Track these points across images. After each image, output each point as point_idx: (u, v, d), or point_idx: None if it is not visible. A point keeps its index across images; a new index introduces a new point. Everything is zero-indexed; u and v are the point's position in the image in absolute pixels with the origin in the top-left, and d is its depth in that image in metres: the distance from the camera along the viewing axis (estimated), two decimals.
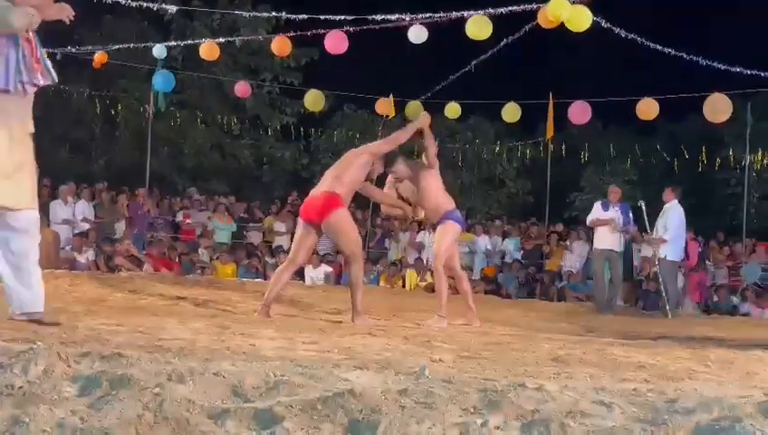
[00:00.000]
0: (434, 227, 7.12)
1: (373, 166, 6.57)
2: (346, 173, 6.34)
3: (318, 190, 6.34)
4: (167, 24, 19.76)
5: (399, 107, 15.33)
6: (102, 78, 18.82)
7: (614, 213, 10.70)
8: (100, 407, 2.18)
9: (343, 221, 6.26)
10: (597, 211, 10.88)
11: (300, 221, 6.48)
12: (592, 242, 11.27)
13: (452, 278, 7.01)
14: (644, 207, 10.97)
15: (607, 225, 10.60)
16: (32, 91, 4.18)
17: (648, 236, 10.93)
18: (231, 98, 18.67)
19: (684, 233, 10.95)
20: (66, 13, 4.33)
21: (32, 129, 4.23)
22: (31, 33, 4.13)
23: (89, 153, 21.14)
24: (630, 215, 10.83)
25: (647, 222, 11.04)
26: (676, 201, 10.71)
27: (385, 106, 15.22)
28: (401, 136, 6.75)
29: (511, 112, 14.57)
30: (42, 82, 4.20)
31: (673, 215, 10.53)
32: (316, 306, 7.69)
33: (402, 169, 6.82)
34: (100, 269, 11.57)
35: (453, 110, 15.15)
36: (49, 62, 4.27)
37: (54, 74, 4.29)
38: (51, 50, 15.34)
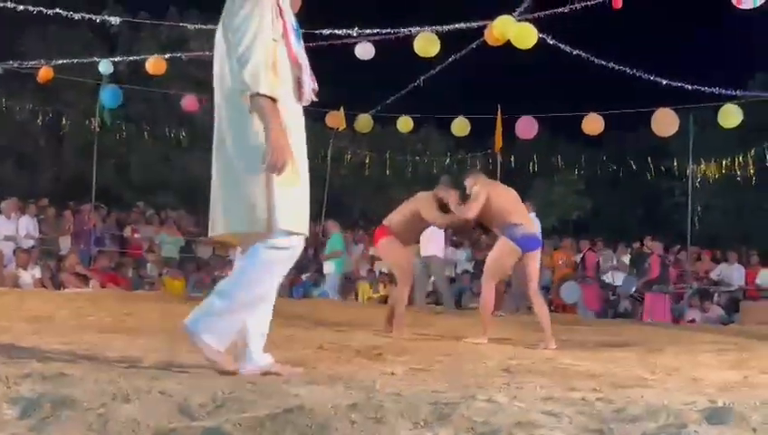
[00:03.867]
0: None
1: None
2: (401, 214, 7.08)
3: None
4: (113, 36, 19.52)
5: (350, 120, 15.36)
6: (47, 91, 18.47)
7: None
8: (42, 429, 2.12)
9: (388, 249, 7.09)
10: None
11: None
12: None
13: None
14: None
15: None
16: (312, 98, 3.61)
17: None
18: (179, 111, 18.47)
19: None
20: None
21: None
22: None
23: (34, 167, 20.72)
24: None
25: None
26: None
27: (336, 119, 15.24)
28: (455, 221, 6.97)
29: (460, 127, 14.73)
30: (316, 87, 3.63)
31: None
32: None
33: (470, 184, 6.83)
34: (46, 286, 11.33)
35: (405, 123, 15.23)
36: None
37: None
38: None
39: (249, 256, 3.41)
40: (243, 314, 3.43)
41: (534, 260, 6.60)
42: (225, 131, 3.44)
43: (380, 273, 14.41)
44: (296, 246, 3.44)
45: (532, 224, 6.70)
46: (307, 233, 3.50)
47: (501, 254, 6.59)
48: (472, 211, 6.55)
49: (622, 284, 14.01)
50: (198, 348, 3.38)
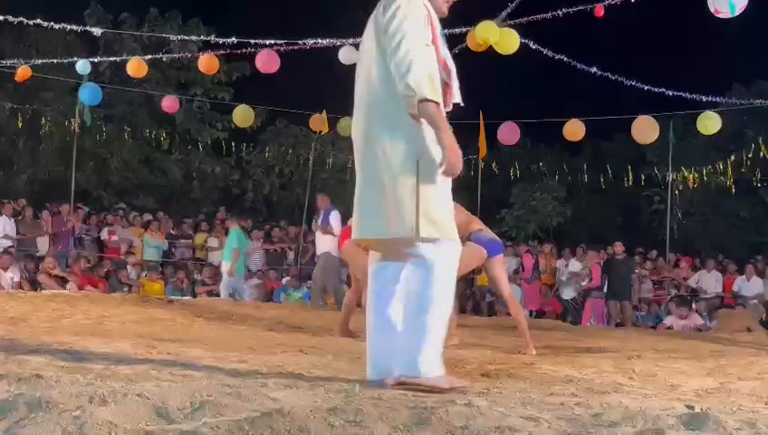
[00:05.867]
0: None
1: None
2: None
3: None
4: (94, 36, 19.37)
5: (332, 124, 15.34)
6: (26, 91, 18.30)
7: (319, 220, 11.76)
8: (17, 431, 2.10)
9: (351, 252, 6.94)
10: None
11: None
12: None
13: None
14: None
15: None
16: (460, 102, 3.57)
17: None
18: (160, 112, 18.36)
19: None
20: None
21: None
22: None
23: (11, 168, 20.51)
24: (331, 218, 11.44)
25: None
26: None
27: (319, 122, 15.21)
28: None
29: None
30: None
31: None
32: (247, 323, 7.59)
33: None
34: (23, 288, 11.22)
35: None
36: None
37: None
38: None
39: (418, 270, 3.29)
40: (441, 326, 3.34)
41: (501, 265, 6.67)
42: (374, 136, 3.36)
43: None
44: (454, 250, 3.37)
45: (489, 230, 6.72)
46: (456, 237, 3.41)
47: (466, 254, 6.62)
48: None
49: (560, 290, 14.50)
50: (425, 387, 3.18)
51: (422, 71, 3.20)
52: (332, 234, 11.25)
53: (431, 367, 3.24)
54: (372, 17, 3.45)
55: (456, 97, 3.51)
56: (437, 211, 3.29)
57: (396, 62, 3.22)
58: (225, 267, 12.58)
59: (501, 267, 6.67)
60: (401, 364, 3.26)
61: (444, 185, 3.34)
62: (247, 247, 13.43)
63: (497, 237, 6.69)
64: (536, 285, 14.53)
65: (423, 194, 3.24)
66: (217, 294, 12.48)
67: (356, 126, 3.50)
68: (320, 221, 11.72)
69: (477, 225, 6.67)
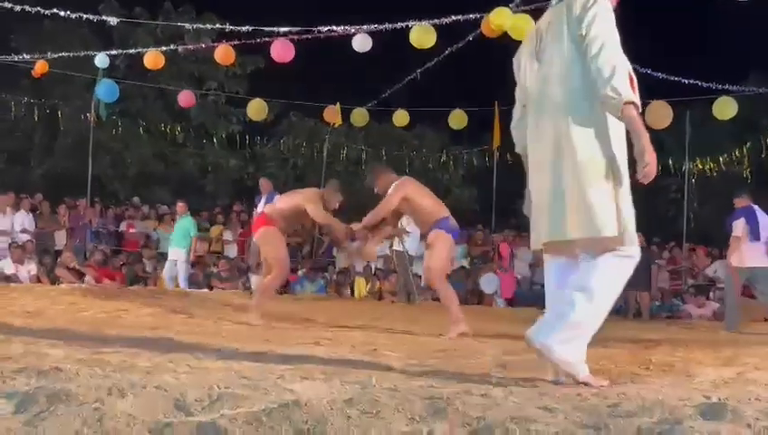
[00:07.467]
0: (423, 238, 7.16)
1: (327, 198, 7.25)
2: (284, 204, 7.28)
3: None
4: (109, 31, 19.46)
5: (346, 115, 15.35)
6: (42, 86, 18.41)
7: (261, 204, 11.55)
8: (37, 424, 2.11)
9: (268, 240, 7.15)
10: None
11: None
12: None
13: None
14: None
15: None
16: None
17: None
18: (175, 106, 18.43)
19: None
20: None
21: None
22: None
23: (28, 162, 20.66)
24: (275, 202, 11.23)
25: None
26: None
27: (332, 114, 15.21)
28: (336, 226, 7.19)
29: (457, 119, 14.72)
30: None
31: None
32: (264, 315, 7.61)
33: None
34: (42, 281, 11.31)
35: (401, 117, 15.20)
36: None
37: None
38: None
39: (599, 265, 3.35)
40: (596, 323, 3.39)
41: (451, 249, 6.97)
42: (572, 138, 3.38)
43: (376, 268, 14.41)
44: (638, 254, 3.44)
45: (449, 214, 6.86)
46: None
47: (446, 250, 6.80)
48: (390, 204, 6.81)
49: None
50: (553, 362, 3.35)
51: (625, 74, 3.28)
52: None
53: (582, 366, 3.34)
54: (558, 13, 3.48)
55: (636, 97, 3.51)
56: (630, 213, 3.39)
57: (598, 66, 3.27)
58: (177, 256, 12.60)
59: (450, 251, 6.91)
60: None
61: (629, 189, 3.39)
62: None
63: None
64: (511, 274, 14.62)
65: (621, 197, 3.35)
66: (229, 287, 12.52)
67: (540, 126, 3.51)
68: (261, 206, 11.37)
69: (444, 211, 6.82)
